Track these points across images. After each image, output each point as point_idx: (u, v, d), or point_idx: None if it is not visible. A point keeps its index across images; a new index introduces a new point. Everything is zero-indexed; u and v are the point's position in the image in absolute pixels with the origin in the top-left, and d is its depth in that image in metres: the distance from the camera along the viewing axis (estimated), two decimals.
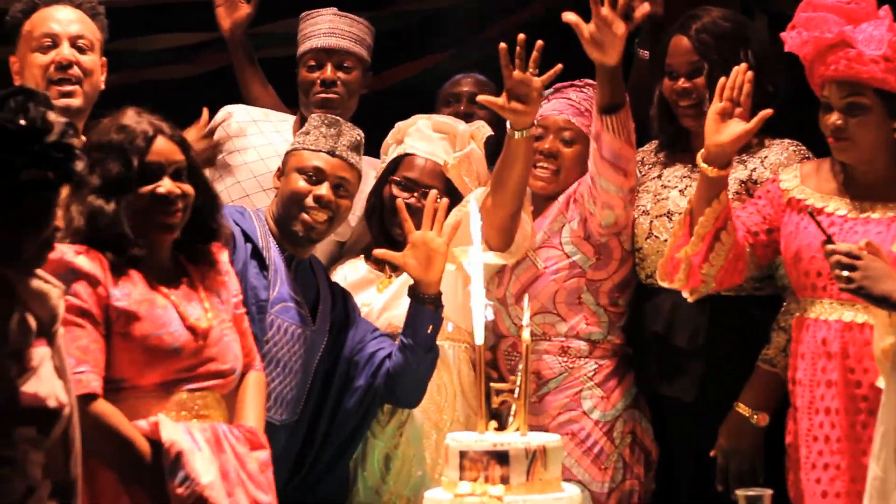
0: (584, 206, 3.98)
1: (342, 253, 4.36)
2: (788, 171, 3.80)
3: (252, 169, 4.20)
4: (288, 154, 3.98)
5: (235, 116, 4.36)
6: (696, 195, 3.70)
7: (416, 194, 4.13)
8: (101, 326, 3.12)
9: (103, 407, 3.08)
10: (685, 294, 3.77)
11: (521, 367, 2.97)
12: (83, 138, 2.63)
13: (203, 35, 5.72)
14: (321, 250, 4.27)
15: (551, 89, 4.15)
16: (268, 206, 4.01)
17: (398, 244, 4.01)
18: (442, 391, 4.09)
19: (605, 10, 3.71)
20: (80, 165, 2.59)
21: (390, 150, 4.29)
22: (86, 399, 3.01)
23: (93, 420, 3.01)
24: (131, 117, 3.25)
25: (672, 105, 4.04)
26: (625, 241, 4.04)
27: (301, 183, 3.88)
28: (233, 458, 3.18)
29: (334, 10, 4.42)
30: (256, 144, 4.29)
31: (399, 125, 4.30)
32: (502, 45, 3.85)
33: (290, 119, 4.42)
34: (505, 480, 2.81)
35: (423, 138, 4.22)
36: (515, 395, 2.94)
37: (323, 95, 4.35)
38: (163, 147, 3.23)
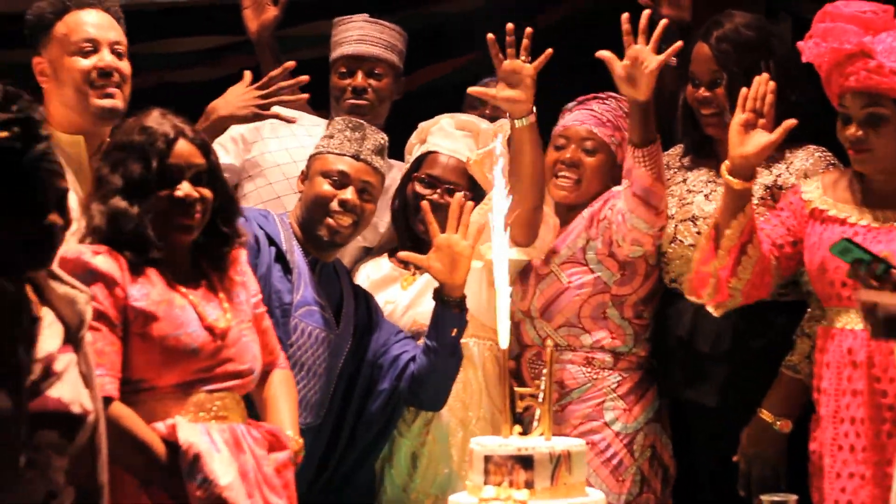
0: (612, 235, 3.98)
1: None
2: (810, 183, 3.79)
3: (284, 171, 4.20)
4: (312, 157, 3.98)
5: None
6: (722, 208, 3.69)
7: (439, 191, 4.14)
8: (118, 328, 3.12)
9: (119, 410, 3.07)
10: (710, 308, 3.76)
11: (545, 371, 2.97)
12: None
13: (226, 38, 5.74)
14: (349, 256, 4.27)
15: (574, 102, 4.18)
16: (291, 209, 4.01)
17: (423, 242, 4.01)
18: (467, 388, 4.10)
19: (638, 47, 3.73)
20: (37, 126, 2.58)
21: (414, 150, 4.30)
22: (102, 403, 3.01)
23: (109, 423, 3.00)
24: (155, 118, 3.26)
25: (695, 112, 4.03)
26: (649, 258, 4.04)
27: (326, 187, 3.88)
28: (251, 459, 3.18)
29: (366, 16, 4.44)
30: (289, 146, 4.29)
31: (422, 125, 4.32)
32: (489, 35, 3.87)
33: (322, 123, 4.42)
34: (529, 485, 2.82)
35: (447, 136, 4.23)
36: (539, 400, 2.94)
37: (354, 102, 4.37)
38: (183, 150, 3.23)
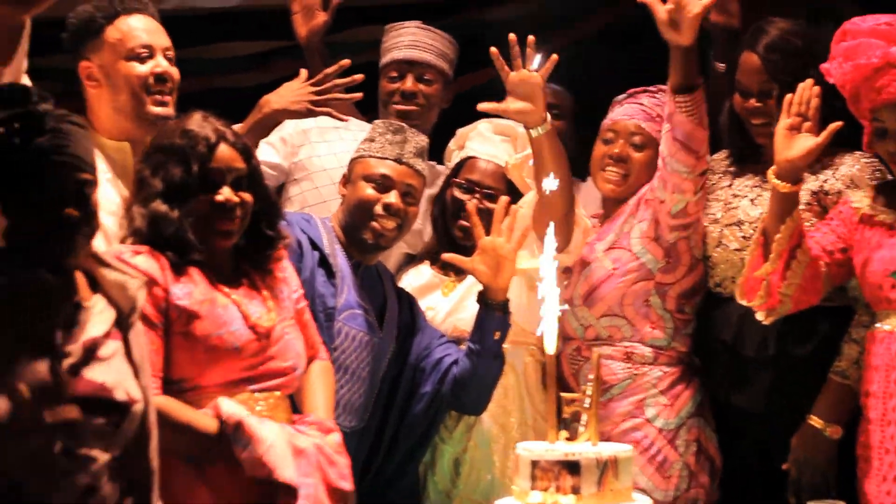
0: (655, 196, 3.98)
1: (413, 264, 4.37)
2: (857, 192, 3.79)
3: (331, 175, 4.21)
4: (353, 161, 3.98)
5: (317, 121, 4.37)
6: (770, 213, 3.69)
7: (477, 196, 4.14)
8: (159, 329, 3.14)
9: (157, 400, 3.05)
10: (760, 315, 3.75)
11: (591, 376, 2.97)
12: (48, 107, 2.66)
13: (275, 43, 5.76)
14: (393, 261, 4.29)
15: (624, 94, 4.18)
16: (333, 213, 4.02)
17: (461, 248, 4.02)
18: (508, 394, 4.10)
19: None
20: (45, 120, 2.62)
21: (453, 156, 4.31)
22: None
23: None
24: (196, 122, 3.27)
25: (744, 121, 4.03)
26: (694, 248, 4.04)
27: (369, 191, 3.89)
28: (309, 441, 3.19)
29: (418, 23, 4.46)
30: (337, 151, 4.30)
31: (460, 131, 4.33)
32: (492, 49, 3.87)
33: (369, 127, 4.44)
34: (576, 490, 2.82)
35: (485, 141, 4.24)
36: (586, 405, 2.94)
37: (402, 107, 4.38)
38: (224, 154, 3.25)
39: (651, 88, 4.14)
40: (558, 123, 4.50)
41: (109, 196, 3.50)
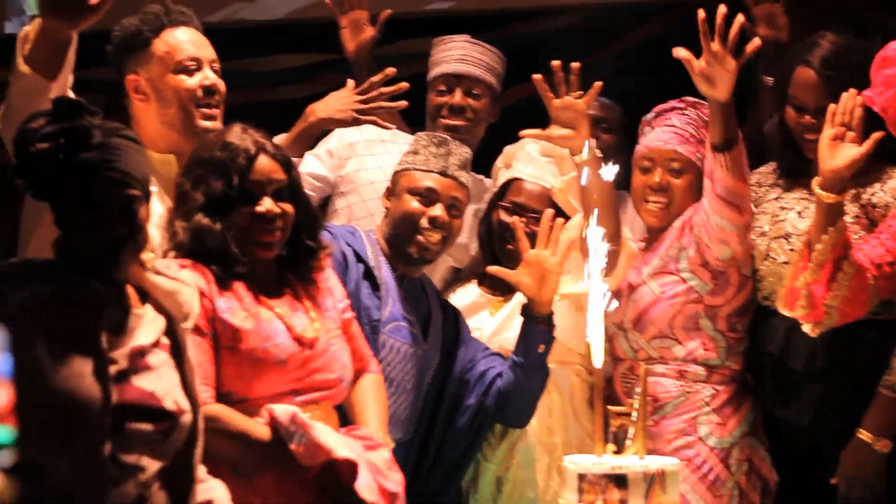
0: (700, 239, 3.96)
1: (459, 279, 4.37)
2: None
3: (378, 189, 4.21)
4: (397, 174, 3.98)
5: (363, 134, 4.38)
6: (814, 224, 3.67)
7: (524, 219, 4.13)
8: (209, 338, 3.16)
9: (211, 409, 3.10)
10: (807, 327, 3.73)
11: (638, 390, 2.97)
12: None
13: (321, 56, 5.78)
14: (439, 275, 4.29)
15: (652, 114, 4.15)
16: (377, 226, 4.02)
17: (509, 269, 4.02)
18: (553, 414, 4.09)
19: (716, 46, 3.70)
20: (92, 135, 2.63)
21: (500, 175, 4.30)
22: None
23: (208, 425, 3.02)
24: (236, 134, 3.29)
25: (796, 136, 4.00)
26: (742, 268, 4.01)
27: (414, 204, 3.89)
28: (361, 449, 3.21)
29: (467, 36, 4.45)
30: (383, 164, 4.31)
31: (507, 149, 4.32)
32: (536, 76, 3.87)
33: None
34: None
35: (531, 162, 4.23)
36: (633, 419, 2.93)
37: (450, 121, 4.37)
38: (264, 166, 3.27)
39: (679, 105, 4.10)
40: (607, 137, 4.50)
41: (156, 209, 3.49)
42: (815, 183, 3.65)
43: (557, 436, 4.07)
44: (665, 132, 4.09)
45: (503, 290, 4.12)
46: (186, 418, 2.71)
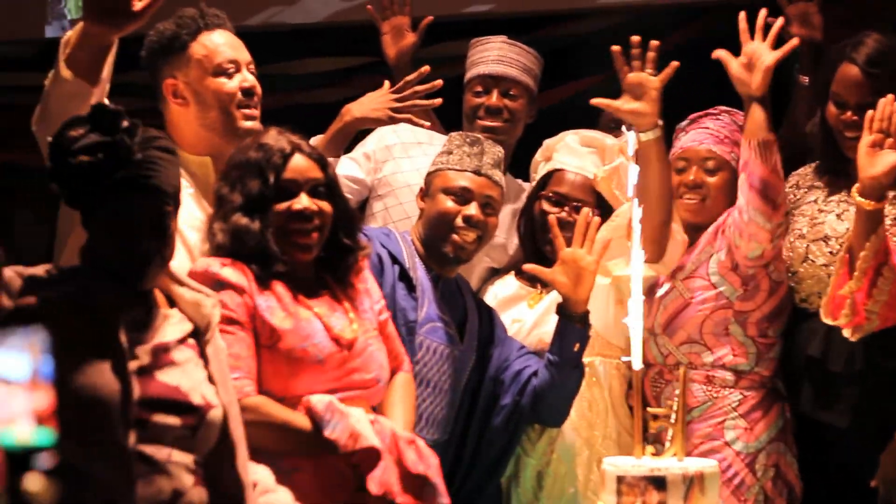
0: (731, 238, 3.95)
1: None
2: None
3: (414, 191, 4.20)
4: (431, 174, 3.98)
5: (400, 137, 4.38)
6: (854, 231, 3.67)
7: (566, 209, 4.12)
8: (251, 332, 3.18)
9: (253, 400, 3.13)
10: (847, 332, 3.72)
11: (677, 391, 2.98)
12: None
13: (358, 59, 5.80)
14: (476, 276, 4.28)
15: (686, 120, 4.16)
16: (412, 226, 4.02)
17: (550, 262, 4.01)
18: (593, 407, 4.08)
19: (754, 45, 3.73)
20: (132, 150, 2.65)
21: (539, 168, 4.29)
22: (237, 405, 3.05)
23: (248, 414, 3.02)
24: (272, 136, 3.32)
25: (836, 133, 3.99)
26: (773, 272, 3.99)
27: (449, 203, 3.89)
28: (388, 429, 3.24)
29: (504, 37, 4.44)
30: (420, 167, 4.30)
31: (547, 142, 4.31)
32: (614, 47, 3.86)
33: None
34: None
35: (572, 153, 4.21)
36: (672, 421, 2.92)
37: (487, 122, 4.36)
38: (300, 164, 3.28)
39: (713, 111, 4.12)
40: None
41: (192, 212, 3.51)
42: (855, 190, 3.64)
43: (597, 429, 4.06)
44: (700, 133, 4.11)
45: (542, 282, 4.11)
46: (216, 413, 2.71)
